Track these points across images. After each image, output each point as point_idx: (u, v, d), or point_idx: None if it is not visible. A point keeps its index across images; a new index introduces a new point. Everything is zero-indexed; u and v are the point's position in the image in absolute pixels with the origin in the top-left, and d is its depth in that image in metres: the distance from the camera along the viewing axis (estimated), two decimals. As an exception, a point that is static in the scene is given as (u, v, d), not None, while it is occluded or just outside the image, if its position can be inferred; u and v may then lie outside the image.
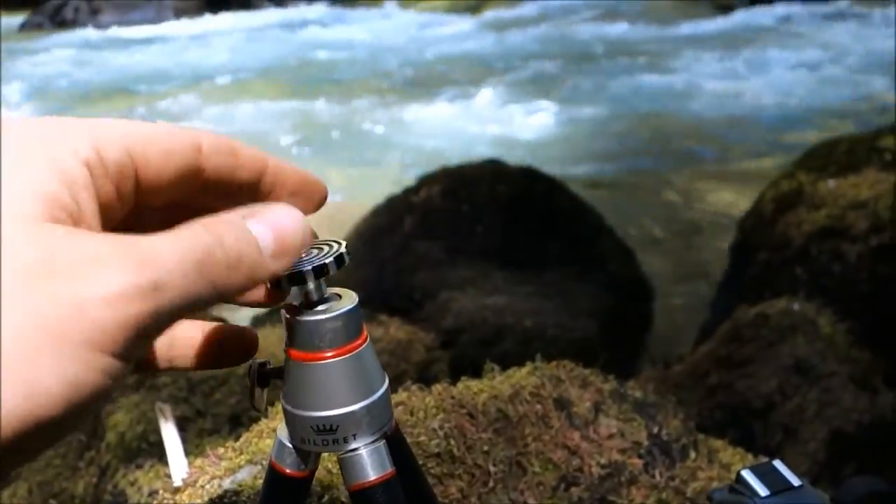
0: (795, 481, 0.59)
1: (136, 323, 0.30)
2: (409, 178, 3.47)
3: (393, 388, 0.95)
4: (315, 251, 0.46)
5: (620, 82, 6.60)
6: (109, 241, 0.31)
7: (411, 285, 2.81)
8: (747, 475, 0.60)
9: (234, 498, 0.76)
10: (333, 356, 0.45)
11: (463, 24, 9.84)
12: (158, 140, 0.37)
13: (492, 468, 0.84)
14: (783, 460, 1.55)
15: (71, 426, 0.30)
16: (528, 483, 0.85)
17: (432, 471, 0.81)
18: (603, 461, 0.89)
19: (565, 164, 4.66)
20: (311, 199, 0.45)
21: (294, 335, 0.46)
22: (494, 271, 2.88)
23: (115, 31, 10.94)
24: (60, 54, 9.49)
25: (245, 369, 0.49)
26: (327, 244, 0.47)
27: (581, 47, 7.92)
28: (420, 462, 0.81)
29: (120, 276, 0.30)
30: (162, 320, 0.32)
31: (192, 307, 0.33)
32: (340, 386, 0.46)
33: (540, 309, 2.71)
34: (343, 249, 0.45)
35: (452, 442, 0.83)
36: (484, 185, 3.18)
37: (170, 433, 1.29)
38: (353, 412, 0.46)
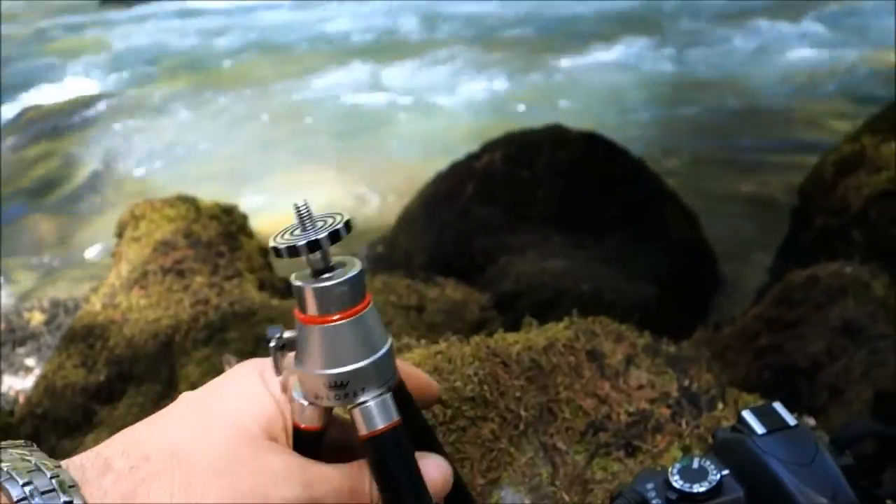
0: (791, 421, 0.63)
1: None
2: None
3: (436, 340, 1.01)
4: (320, 223, 0.50)
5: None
6: (290, 461, 0.50)
7: (471, 250, 2.87)
8: (747, 415, 0.64)
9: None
10: (340, 318, 0.50)
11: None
12: None
13: (523, 413, 0.89)
14: (828, 420, 1.57)
15: None
16: (557, 428, 0.90)
17: (466, 413, 0.87)
18: (631, 409, 0.94)
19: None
20: (428, 396, 0.60)
21: (303, 301, 0.50)
22: (554, 236, 2.92)
23: (197, 2, 11.10)
24: (143, 26, 9.73)
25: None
26: (332, 217, 0.51)
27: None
28: (455, 405, 0.88)
29: (294, 490, 0.49)
30: None
31: None
32: (349, 345, 0.50)
33: (598, 273, 2.74)
34: (339, 225, 0.49)
35: (486, 387, 0.89)
36: (545, 150, 3.21)
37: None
38: (361, 368, 0.51)
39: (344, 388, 0.51)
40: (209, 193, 2.51)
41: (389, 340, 0.53)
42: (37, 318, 3.02)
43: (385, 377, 0.52)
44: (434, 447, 0.58)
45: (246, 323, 1.76)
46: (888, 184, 1.91)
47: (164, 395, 1.73)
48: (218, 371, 1.70)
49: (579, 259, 2.83)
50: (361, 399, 0.51)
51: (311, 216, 0.50)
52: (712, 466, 0.63)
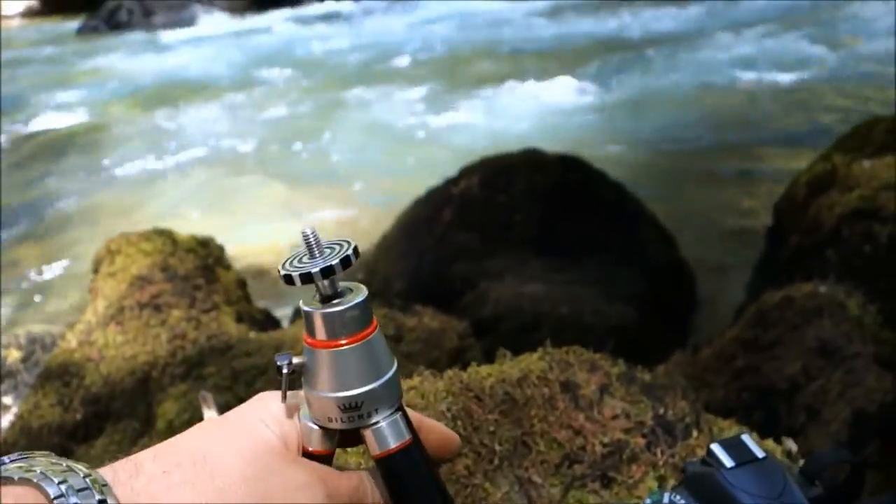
0: (760, 454, 0.63)
1: None
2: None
3: (408, 373, 1.01)
4: (328, 251, 0.52)
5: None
6: (313, 472, 0.52)
7: (450, 275, 2.87)
8: (716, 448, 0.64)
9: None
10: (350, 342, 0.51)
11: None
12: None
13: (497, 447, 0.89)
14: (806, 441, 1.57)
15: None
16: (532, 461, 0.90)
17: (440, 450, 0.87)
18: (606, 440, 0.93)
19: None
20: (450, 447, 0.60)
21: (313, 327, 0.52)
22: (532, 260, 2.92)
23: (168, 33, 11.18)
24: (116, 56, 9.77)
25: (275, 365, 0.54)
26: (339, 244, 0.53)
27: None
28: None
29: (318, 498, 0.51)
30: None
31: None
32: (361, 367, 0.52)
33: (577, 296, 2.74)
34: (349, 252, 0.51)
35: (459, 423, 0.89)
36: (522, 174, 3.22)
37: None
38: (373, 389, 0.52)
39: (358, 409, 0.52)
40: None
41: (396, 362, 0.54)
42: (13, 355, 2.98)
43: (394, 398, 0.54)
44: (429, 462, 0.58)
45: (223, 357, 1.74)
46: (860, 202, 1.93)
47: (142, 433, 1.72)
48: (195, 407, 1.68)
49: (558, 282, 2.84)
50: (374, 420, 0.53)
51: (319, 243, 0.52)
52: (683, 501, 0.63)
